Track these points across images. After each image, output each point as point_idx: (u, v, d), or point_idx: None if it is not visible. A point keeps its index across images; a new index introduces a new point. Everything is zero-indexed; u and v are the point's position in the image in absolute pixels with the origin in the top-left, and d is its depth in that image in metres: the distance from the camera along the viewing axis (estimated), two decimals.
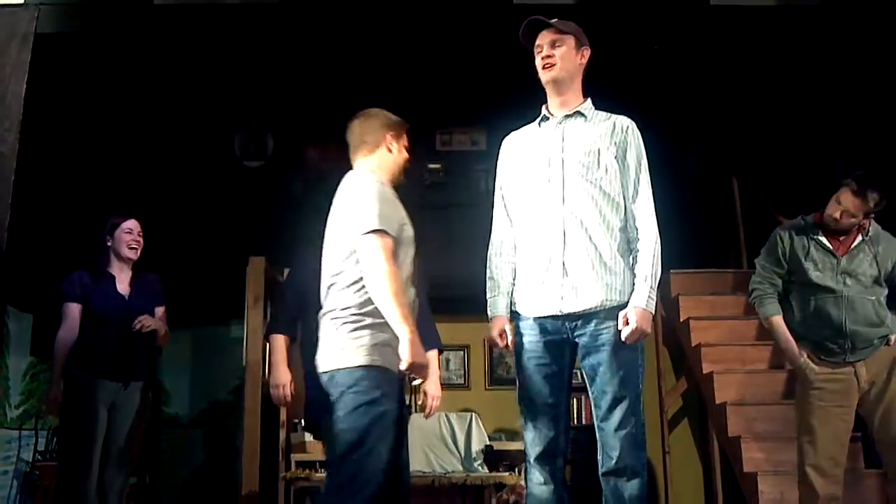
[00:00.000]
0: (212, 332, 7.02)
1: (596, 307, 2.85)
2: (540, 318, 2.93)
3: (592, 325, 2.86)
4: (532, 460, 2.95)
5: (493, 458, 6.12)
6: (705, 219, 6.90)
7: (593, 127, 3.05)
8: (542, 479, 2.93)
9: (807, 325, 3.86)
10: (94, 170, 6.77)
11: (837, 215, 3.81)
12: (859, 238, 3.88)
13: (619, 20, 5.69)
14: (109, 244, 4.43)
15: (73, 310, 4.36)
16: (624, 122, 3.08)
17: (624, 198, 2.95)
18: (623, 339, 2.80)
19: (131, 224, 4.48)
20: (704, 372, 5.65)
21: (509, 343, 3.01)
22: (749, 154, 6.87)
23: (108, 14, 5.27)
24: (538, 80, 3.17)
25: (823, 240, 3.89)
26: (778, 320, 3.94)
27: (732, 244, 6.66)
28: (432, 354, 3.93)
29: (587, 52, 3.15)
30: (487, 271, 3.12)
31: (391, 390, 2.92)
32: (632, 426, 2.85)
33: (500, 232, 3.13)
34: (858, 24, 5.40)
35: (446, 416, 6.07)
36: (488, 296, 3.08)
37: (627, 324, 2.80)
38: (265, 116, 7.33)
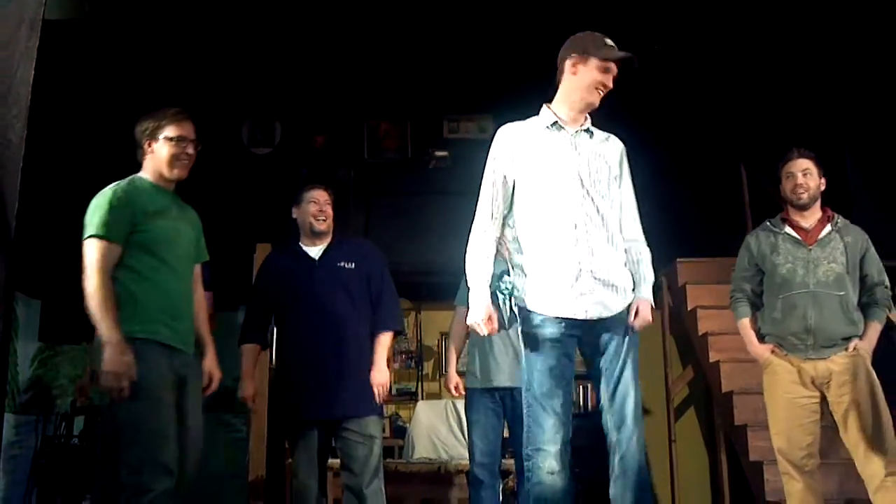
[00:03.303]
0: (219, 318, 7.03)
1: (617, 313, 3.07)
2: (560, 318, 3.04)
3: (608, 325, 3.06)
4: (551, 449, 3.00)
5: None
6: (713, 207, 6.88)
7: (599, 145, 3.19)
8: (558, 468, 3.00)
9: (775, 322, 3.87)
10: (103, 156, 6.78)
11: (790, 187, 3.89)
12: (828, 227, 3.90)
13: (629, 6, 5.67)
14: None
15: None
16: (617, 141, 3.27)
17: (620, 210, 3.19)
18: (636, 328, 3.07)
19: None
20: (711, 361, 5.65)
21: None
22: (757, 142, 6.85)
23: (116, 1, 5.27)
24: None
25: (791, 231, 3.92)
26: (745, 322, 4.01)
27: (740, 232, 6.60)
28: (383, 336, 3.92)
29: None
30: (476, 251, 3.15)
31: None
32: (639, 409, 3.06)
33: (493, 217, 3.18)
34: (865, 13, 5.38)
35: (452, 403, 6.08)
36: (476, 277, 3.10)
37: (637, 315, 3.05)
38: (273, 104, 7.33)
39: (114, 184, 3.31)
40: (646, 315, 3.07)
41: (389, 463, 5.51)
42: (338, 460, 3.97)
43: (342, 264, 3.93)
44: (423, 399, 8.32)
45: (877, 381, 3.73)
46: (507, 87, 7.50)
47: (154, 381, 3.07)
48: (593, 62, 3.10)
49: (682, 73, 6.93)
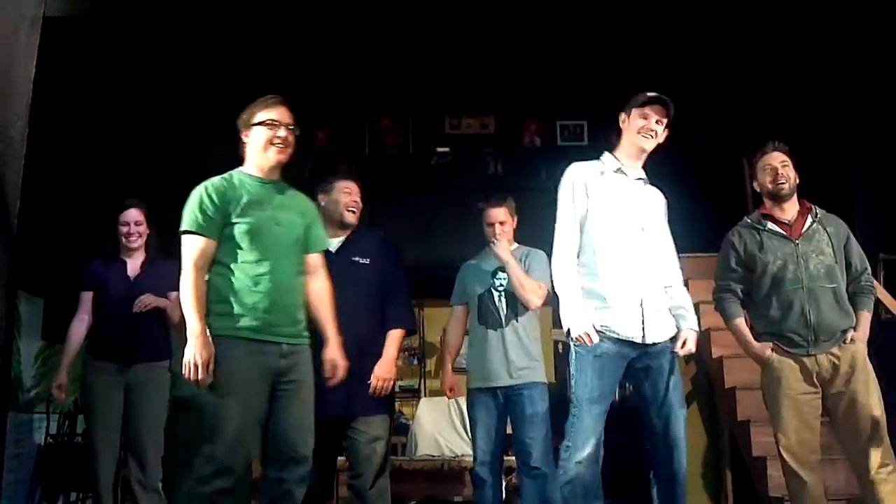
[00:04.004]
0: None
1: (666, 339, 3.62)
2: (620, 338, 3.51)
3: (658, 349, 3.58)
4: (585, 445, 3.44)
5: None
6: (715, 201, 6.87)
7: (651, 192, 3.76)
8: (596, 458, 3.47)
9: (772, 320, 3.83)
10: (105, 154, 6.78)
11: (770, 178, 3.87)
12: (809, 219, 3.87)
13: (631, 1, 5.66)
14: (116, 232, 4.49)
15: (85, 297, 4.47)
16: (661, 193, 3.82)
17: None
18: (681, 354, 3.64)
19: (127, 216, 4.51)
20: (714, 356, 5.64)
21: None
22: (759, 136, 6.83)
23: None
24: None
25: (774, 227, 3.88)
26: (739, 322, 3.95)
27: None
28: (394, 332, 3.90)
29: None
30: (565, 279, 3.55)
31: None
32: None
33: (573, 245, 3.61)
34: (867, 6, 5.36)
35: (456, 401, 6.08)
36: (573, 300, 3.51)
37: (685, 345, 3.62)
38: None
39: (211, 178, 3.31)
40: (691, 345, 3.62)
41: (392, 460, 5.49)
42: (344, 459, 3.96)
43: (357, 259, 3.89)
44: (425, 396, 8.33)
45: (873, 374, 3.73)
46: (509, 83, 7.51)
47: (228, 380, 3.07)
48: (634, 112, 3.64)
49: (684, 66, 6.92)
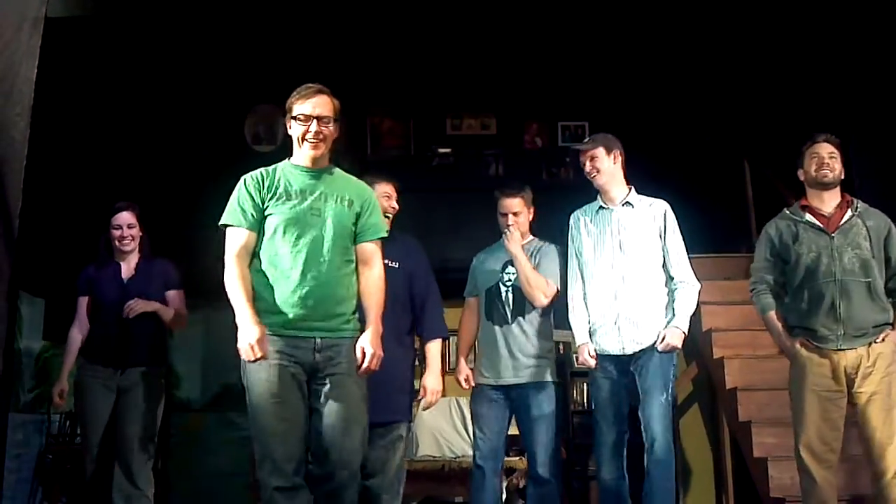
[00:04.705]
0: (223, 315, 7.03)
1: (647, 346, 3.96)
2: (610, 355, 3.99)
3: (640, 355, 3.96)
4: (608, 453, 3.93)
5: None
6: (716, 203, 6.87)
7: (639, 213, 4.05)
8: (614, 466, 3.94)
9: (802, 313, 3.80)
10: (106, 155, 6.78)
11: (815, 166, 3.84)
12: (849, 213, 3.83)
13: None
14: (108, 235, 4.46)
15: (81, 303, 4.46)
16: (660, 204, 4.09)
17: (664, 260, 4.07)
18: (660, 349, 3.90)
19: (119, 219, 4.43)
20: (715, 357, 5.63)
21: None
22: (760, 137, 6.83)
23: None
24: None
25: (811, 218, 3.85)
26: (770, 315, 3.92)
27: (743, 228, 6.63)
28: (434, 344, 3.88)
29: (619, 154, 4.08)
30: (576, 316, 4.07)
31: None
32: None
33: (579, 284, 4.14)
34: (868, 5, 5.36)
35: (456, 400, 6.07)
36: (581, 332, 4.04)
37: (663, 340, 3.90)
38: (275, 101, 7.32)
39: (253, 170, 3.29)
40: (669, 340, 3.87)
41: None
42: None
43: (387, 262, 3.65)
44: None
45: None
46: (510, 84, 7.52)
47: (260, 375, 3.07)
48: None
49: (685, 67, 6.91)
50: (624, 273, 3.96)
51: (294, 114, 3.27)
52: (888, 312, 3.74)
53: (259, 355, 3.01)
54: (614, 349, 3.94)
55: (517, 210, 4.15)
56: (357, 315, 3.26)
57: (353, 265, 3.28)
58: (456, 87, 7.40)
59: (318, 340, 3.12)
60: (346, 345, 3.18)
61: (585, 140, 4.09)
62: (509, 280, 4.16)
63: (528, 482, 4.08)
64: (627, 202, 4.05)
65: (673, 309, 3.96)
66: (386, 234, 3.43)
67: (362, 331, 3.21)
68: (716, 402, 6.43)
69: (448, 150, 7.69)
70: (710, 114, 7.15)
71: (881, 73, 5.69)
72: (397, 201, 3.95)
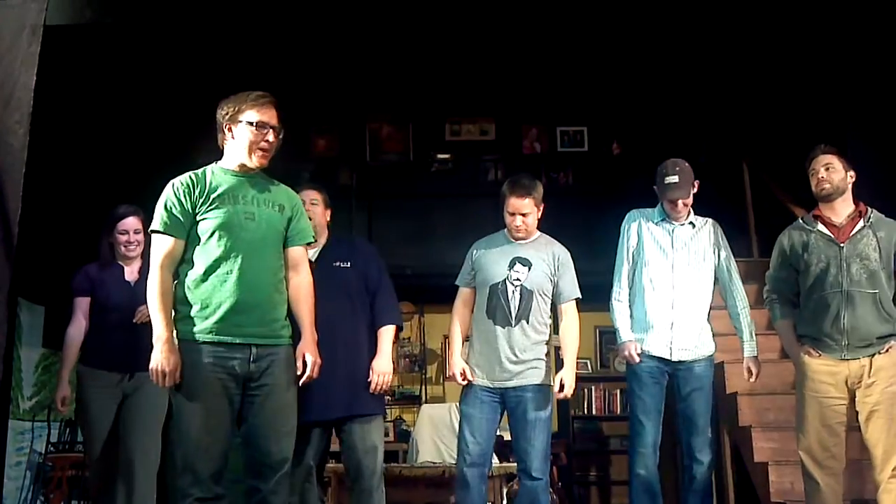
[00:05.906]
0: None
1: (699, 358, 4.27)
2: (657, 356, 4.20)
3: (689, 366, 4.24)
4: (645, 451, 4.13)
5: (503, 448, 6.12)
6: (715, 207, 6.85)
7: (696, 233, 4.32)
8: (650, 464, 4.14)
9: (809, 322, 3.83)
10: (106, 161, 6.79)
11: (814, 183, 3.84)
12: (860, 223, 3.82)
13: (631, 5, 5.66)
14: (111, 240, 4.39)
15: (81, 304, 4.30)
16: (712, 225, 4.39)
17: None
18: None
19: (126, 225, 4.35)
20: (715, 362, 5.62)
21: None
22: (759, 140, 6.84)
23: (119, 5, 5.27)
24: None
25: (823, 228, 3.85)
26: (781, 324, 3.97)
27: (743, 233, 6.63)
28: (386, 329, 3.84)
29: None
30: (619, 313, 4.26)
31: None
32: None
33: (626, 282, 4.36)
34: (865, 8, 5.36)
35: (456, 406, 6.04)
36: (625, 329, 4.22)
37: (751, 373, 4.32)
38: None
39: (182, 175, 3.24)
40: (751, 367, 4.29)
41: (394, 467, 5.50)
42: (339, 464, 3.93)
43: (338, 264, 3.82)
44: (426, 402, 8.31)
45: None
46: (509, 89, 7.53)
47: (191, 385, 3.03)
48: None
49: (683, 73, 6.92)
50: (684, 285, 4.21)
51: (249, 120, 3.23)
52: (894, 324, 3.74)
53: (169, 385, 3.00)
54: (662, 353, 4.15)
55: (527, 211, 3.95)
56: (288, 320, 3.25)
57: (283, 270, 3.27)
58: (455, 92, 7.42)
59: (255, 350, 3.09)
60: (281, 352, 3.16)
61: (675, 180, 4.23)
62: (517, 279, 3.97)
63: (521, 476, 3.95)
64: (690, 222, 4.32)
65: (751, 333, 4.27)
66: (313, 239, 3.45)
67: (293, 337, 3.22)
68: (716, 407, 6.43)
69: (447, 156, 7.71)
70: (709, 118, 7.16)
71: (879, 76, 5.70)
72: (327, 207, 3.94)
